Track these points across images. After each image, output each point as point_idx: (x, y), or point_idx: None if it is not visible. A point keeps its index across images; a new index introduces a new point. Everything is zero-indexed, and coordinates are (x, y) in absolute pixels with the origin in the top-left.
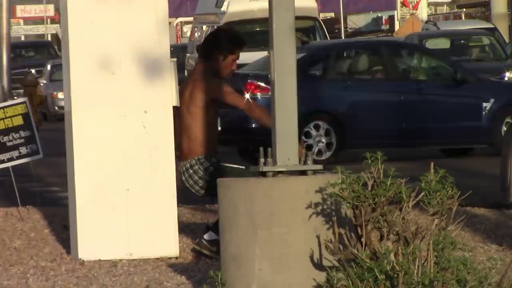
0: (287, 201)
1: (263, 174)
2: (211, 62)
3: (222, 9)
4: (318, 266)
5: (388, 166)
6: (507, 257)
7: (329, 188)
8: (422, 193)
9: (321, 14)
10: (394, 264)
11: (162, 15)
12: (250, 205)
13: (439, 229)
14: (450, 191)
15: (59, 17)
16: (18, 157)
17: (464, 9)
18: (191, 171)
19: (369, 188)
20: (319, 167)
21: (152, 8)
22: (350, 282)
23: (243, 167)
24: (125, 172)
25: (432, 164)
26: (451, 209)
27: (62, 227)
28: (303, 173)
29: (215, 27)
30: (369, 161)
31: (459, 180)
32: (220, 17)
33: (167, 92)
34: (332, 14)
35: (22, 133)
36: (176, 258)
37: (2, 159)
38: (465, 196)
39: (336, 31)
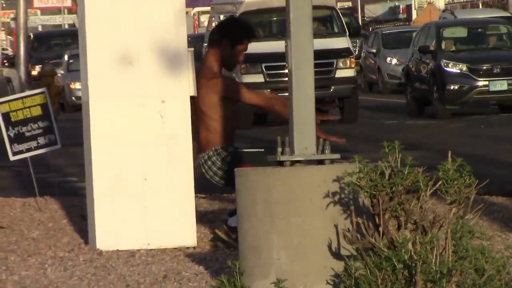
0: (304, 190)
1: (281, 163)
2: (219, 49)
3: None
4: (336, 255)
5: (405, 155)
6: None
7: (346, 177)
8: (440, 182)
9: (338, 3)
10: (412, 253)
11: (180, 5)
12: (267, 194)
13: (457, 218)
14: (467, 180)
15: (76, 7)
16: (37, 148)
17: None
18: (209, 162)
19: (387, 177)
20: (337, 156)
21: None
22: (368, 271)
23: (262, 149)
24: (142, 162)
25: (449, 152)
26: (469, 198)
27: (80, 217)
28: (320, 162)
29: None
30: (387, 150)
31: (477, 168)
32: (238, 6)
33: (184, 82)
34: (350, 3)
35: (41, 124)
36: (194, 247)
37: (20, 149)
38: (482, 185)
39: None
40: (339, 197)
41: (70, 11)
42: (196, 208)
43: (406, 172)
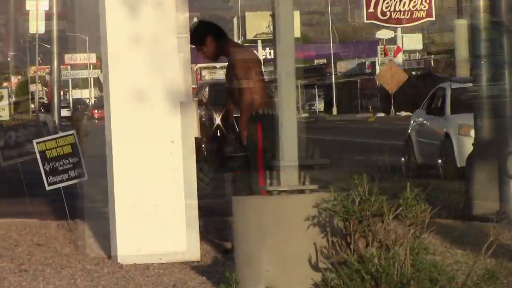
0: (289, 215)
1: (270, 192)
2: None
3: None
4: (315, 268)
5: (372, 185)
6: (470, 261)
7: (323, 204)
8: (400, 208)
9: (315, 60)
10: (378, 266)
11: (186, 57)
12: (259, 218)
13: (414, 237)
14: (423, 206)
15: (100, 63)
16: (68, 179)
17: (433, 56)
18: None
19: (357, 204)
20: (315, 186)
21: (177, 50)
22: (342, 282)
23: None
24: (155, 191)
25: (408, 184)
26: (424, 221)
27: (104, 237)
28: (302, 191)
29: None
30: (357, 182)
31: (431, 195)
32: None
33: (190, 125)
34: (324, 60)
35: (71, 160)
36: (198, 262)
37: (54, 180)
38: (435, 210)
39: (328, 74)
40: (318, 220)
41: (95, 66)
42: (200, 228)
43: (373, 200)
